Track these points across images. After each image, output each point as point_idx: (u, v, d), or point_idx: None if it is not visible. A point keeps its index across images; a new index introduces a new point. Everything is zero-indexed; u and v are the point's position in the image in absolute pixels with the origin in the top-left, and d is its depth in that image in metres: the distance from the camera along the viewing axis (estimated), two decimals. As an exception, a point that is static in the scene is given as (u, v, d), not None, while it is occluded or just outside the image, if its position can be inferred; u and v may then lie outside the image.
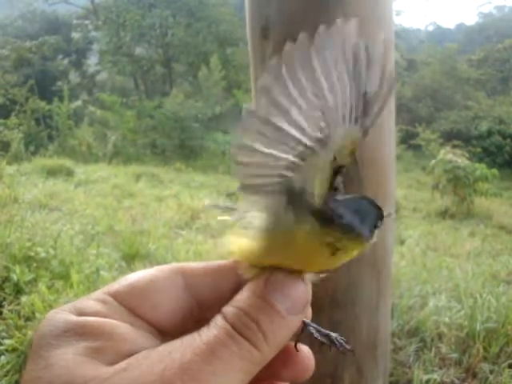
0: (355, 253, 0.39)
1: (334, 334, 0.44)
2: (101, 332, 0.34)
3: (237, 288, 0.41)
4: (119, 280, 0.41)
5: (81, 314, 0.36)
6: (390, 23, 0.66)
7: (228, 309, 0.37)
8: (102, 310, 0.37)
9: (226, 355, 0.33)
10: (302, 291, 0.39)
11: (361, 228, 0.37)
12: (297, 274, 0.40)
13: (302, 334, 0.43)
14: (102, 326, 0.35)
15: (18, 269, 3.00)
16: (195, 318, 0.41)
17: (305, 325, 0.43)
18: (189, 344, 0.34)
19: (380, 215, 0.38)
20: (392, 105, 0.73)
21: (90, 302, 0.37)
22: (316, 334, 0.44)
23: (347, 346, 0.44)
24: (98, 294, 0.39)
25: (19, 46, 21.16)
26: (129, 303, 0.38)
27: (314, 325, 0.44)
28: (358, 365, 0.84)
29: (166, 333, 0.39)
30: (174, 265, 0.42)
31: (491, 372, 2.49)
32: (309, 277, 0.41)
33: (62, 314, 0.36)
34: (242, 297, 0.38)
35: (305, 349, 0.42)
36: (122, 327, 0.36)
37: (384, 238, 0.80)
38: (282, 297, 0.38)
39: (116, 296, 0.38)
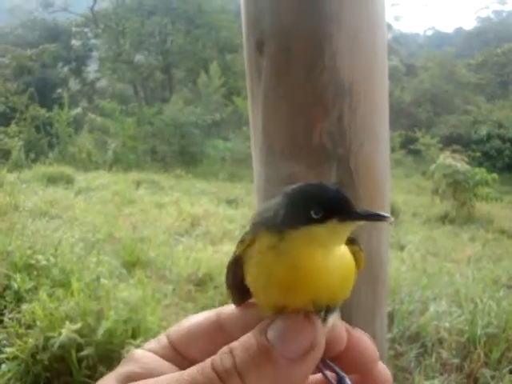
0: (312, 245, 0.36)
1: (348, 382, 0.41)
2: (139, 362, 0.40)
3: None
4: (180, 322, 0.45)
5: (146, 348, 0.42)
6: (383, 33, 0.68)
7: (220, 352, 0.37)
8: (155, 346, 0.42)
9: None
10: (300, 330, 0.36)
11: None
12: (305, 315, 0.36)
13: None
14: (143, 358, 0.40)
15: (18, 277, 3.00)
16: None
17: (322, 364, 0.40)
18: (171, 378, 0.36)
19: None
20: (386, 114, 0.74)
21: (152, 341, 0.43)
22: (326, 374, 0.41)
23: None
24: (163, 334, 0.44)
25: (19, 54, 21.27)
26: (172, 339, 0.42)
27: (348, 382, 0.40)
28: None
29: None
30: (214, 311, 0.44)
31: (492, 378, 2.49)
32: (330, 319, 0.38)
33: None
34: (240, 339, 0.37)
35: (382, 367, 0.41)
36: (158, 361, 0.40)
37: (379, 246, 0.81)
38: (277, 339, 0.35)
39: (168, 333, 0.43)
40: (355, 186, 0.67)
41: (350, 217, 0.36)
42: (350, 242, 0.39)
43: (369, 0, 0.65)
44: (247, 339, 0.36)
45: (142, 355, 0.41)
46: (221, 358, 0.35)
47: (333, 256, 0.37)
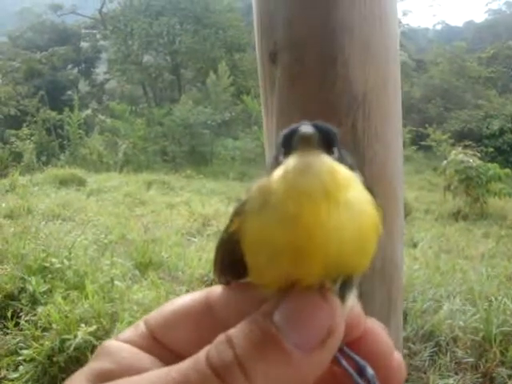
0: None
1: (370, 372, 0.33)
2: (114, 356, 0.34)
3: None
4: (158, 308, 0.39)
5: (121, 338, 0.37)
6: (395, 43, 0.68)
7: (215, 342, 0.30)
8: (132, 335, 0.36)
9: None
10: (315, 313, 0.29)
11: None
12: (319, 292, 0.29)
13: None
14: (118, 352, 0.35)
15: (33, 280, 3.03)
16: None
17: (354, 368, 0.34)
18: (157, 377, 0.29)
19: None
20: (399, 122, 0.74)
21: (129, 329, 0.38)
22: (345, 365, 0.34)
23: None
24: (140, 321, 0.39)
25: (30, 58, 21.46)
26: (152, 327, 0.36)
27: (371, 372, 0.34)
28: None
29: (183, 355, 0.33)
30: (203, 292, 0.37)
31: (509, 377, 2.46)
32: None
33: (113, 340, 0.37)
34: (238, 325, 0.30)
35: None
36: (137, 354, 0.35)
37: (394, 250, 0.81)
38: (286, 325, 0.28)
39: (146, 320, 0.37)
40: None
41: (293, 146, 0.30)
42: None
43: (381, 10, 0.65)
44: (249, 325, 0.29)
45: (118, 348, 0.35)
46: (217, 349, 0.28)
47: (343, 202, 0.29)
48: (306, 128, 0.30)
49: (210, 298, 0.36)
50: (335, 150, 0.32)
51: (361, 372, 0.33)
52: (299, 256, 0.28)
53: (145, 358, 0.35)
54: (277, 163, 0.31)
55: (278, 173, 0.30)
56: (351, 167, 0.32)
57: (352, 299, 0.32)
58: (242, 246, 0.31)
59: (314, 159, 0.30)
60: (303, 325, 0.28)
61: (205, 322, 0.35)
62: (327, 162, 0.30)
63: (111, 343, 0.36)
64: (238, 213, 0.32)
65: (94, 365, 0.34)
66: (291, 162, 0.30)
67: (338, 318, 0.29)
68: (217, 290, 0.37)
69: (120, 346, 0.35)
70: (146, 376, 0.30)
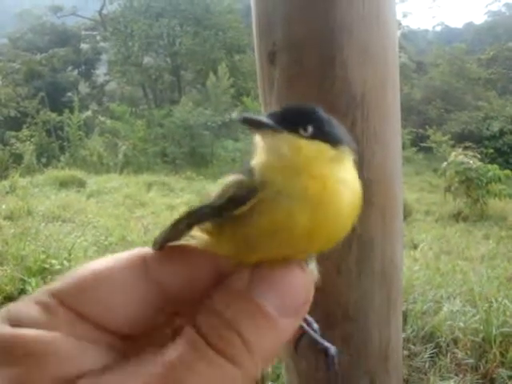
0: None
1: (332, 351, 0.39)
2: (35, 352, 0.26)
3: (216, 279, 0.32)
4: (65, 275, 0.31)
5: (16, 323, 0.27)
6: (394, 44, 0.68)
7: (199, 314, 0.29)
8: (43, 317, 0.28)
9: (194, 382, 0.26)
10: (299, 284, 0.31)
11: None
12: (291, 262, 0.31)
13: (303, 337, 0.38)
14: (39, 344, 0.26)
15: (33, 281, 3.04)
16: (165, 313, 0.33)
17: (306, 324, 0.37)
18: (144, 370, 0.26)
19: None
20: (398, 122, 0.74)
21: (29, 306, 0.29)
22: (319, 339, 0.38)
23: (335, 368, 0.39)
24: (40, 294, 0.30)
25: (30, 59, 21.49)
26: (77, 307, 0.29)
27: (316, 326, 0.38)
28: (370, 377, 0.84)
29: (128, 337, 0.31)
30: (135, 252, 0.33)
31: (510, 378, 2.46)
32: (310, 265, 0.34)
33: None
34: (219, 295, 0.30)
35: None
36: (64, 343, 0.27)
37: (394, 251, 0.81)
38: (271, 293, 0.29)
39: (61, 297, 0.29)
40: (368, 195, 0.67)
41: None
42: None
43: (379, 11, 0.66)
44: (234, 297, 0.29)
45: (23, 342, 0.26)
46: (221, 334, 0.28)
47: (343, 182, 0.32)
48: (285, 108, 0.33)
49: (146, 260, 0.33)
50: (309, 127, 0.32)
51: (308, 325, 0.39)
52: (311, 237, 0.31)
53: (68, 349, 0.28)
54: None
55: (261, 156, 0.33)
56: (337, 141, 0.33)
57: (315, 269, 0.35)
58: (253, 224, 0.32)
59: (275, 141, 0.32)
60: (286, 294, 0.30)
61: (142, 289, 0.31)
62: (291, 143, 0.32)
63: (21, 335, 0.27)
64: (244, 196, 0.32)
65: (17, 372, 0.26)
66: (266, 145, 0.32)
67: (312, 287, 0.32)
68: (150, 251, 0.34)
69: (44, 338, 0.27)
70: (129, 368, 0.27)
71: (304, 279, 0.31)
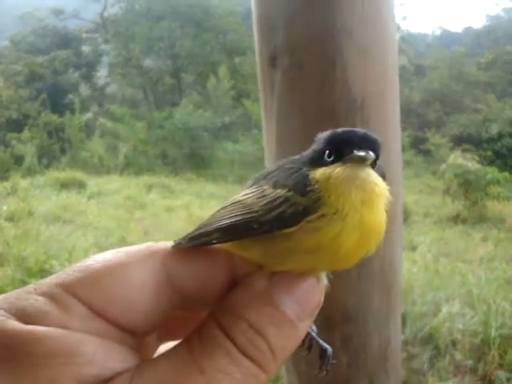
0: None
1: (329, 352, 0.41)
2: (54, 353, 0.23)
3: (231, 278, 0.34)
4: (74, 267, 0.29)
5: (24, 318, 0.24)
6: (394, 48, 0.69)
7: (226, 317, 0.30)
8: (54, 312, 0.25)
9: None
10: (314, 291, 0.34)
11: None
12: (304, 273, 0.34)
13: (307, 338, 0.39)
14: (58, 344, 0.23)
15: (33, 282, 3.04)
16: (177, 311, 0.33)
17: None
18: (178, 371, 0.27)
19: None
20: (397, 126, 0.75)
21: (37, 299, 0.26)
22: (319, 340, 0.40)
23: (327, 369, 0.41)
24: (47, 286, 0.27)
25: (31, 62, 21.50)
26: (93, 303, 0.27)
27: (314, 327, 0.41)
28: (369, 378, 0.86)
29: (141, 334, 0.30)
30: (149, 246, 0.33)
31: (508, 380, 2.46)
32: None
33: None
34: (242, 299, 0.31)
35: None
36: (85, 342, 0.25)
37: (393, 255, 0.82)
38: (291, 300, 0.32)
39: (73, 291, 0.27)
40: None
41: (345, 159, 0.35)
42: None
43: (379, 14, 0.67)
44: (259, 302, 0.31)
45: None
46: (249, 338, 0.29)
47: (377, 212, 0.35)
48: (364, 153, 0.34)
49: (167, 266, 0.33)
50: (378, 163, 0.36)
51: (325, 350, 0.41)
52: (348, 258, 0.35)
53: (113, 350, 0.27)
54: (318, 159, 0.36)
55: (338, 180, 0.34)
56: (383, 175, 0.37)
57: (325, 277, 0.37)
58: (299, 240, 0.34)
59: (366, 175, 0.35)
60: (304, 301, 0.33)
61: (164, 294, 0.31)
62: (374, 179, 0.35)
63: (36, 332, 0.24)
64: (299, 213, 0.34)
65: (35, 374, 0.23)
66: (348, 173, 0.34)
67: (323, 294, 0.35)
68: (170, 253, 0.34)
69: (64, 338, 0.24)
70: (162, 369, 0.27)
71: (318, 287, 0.34)
